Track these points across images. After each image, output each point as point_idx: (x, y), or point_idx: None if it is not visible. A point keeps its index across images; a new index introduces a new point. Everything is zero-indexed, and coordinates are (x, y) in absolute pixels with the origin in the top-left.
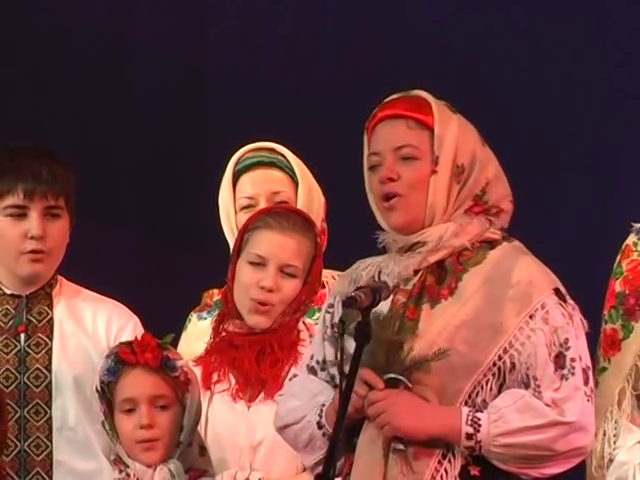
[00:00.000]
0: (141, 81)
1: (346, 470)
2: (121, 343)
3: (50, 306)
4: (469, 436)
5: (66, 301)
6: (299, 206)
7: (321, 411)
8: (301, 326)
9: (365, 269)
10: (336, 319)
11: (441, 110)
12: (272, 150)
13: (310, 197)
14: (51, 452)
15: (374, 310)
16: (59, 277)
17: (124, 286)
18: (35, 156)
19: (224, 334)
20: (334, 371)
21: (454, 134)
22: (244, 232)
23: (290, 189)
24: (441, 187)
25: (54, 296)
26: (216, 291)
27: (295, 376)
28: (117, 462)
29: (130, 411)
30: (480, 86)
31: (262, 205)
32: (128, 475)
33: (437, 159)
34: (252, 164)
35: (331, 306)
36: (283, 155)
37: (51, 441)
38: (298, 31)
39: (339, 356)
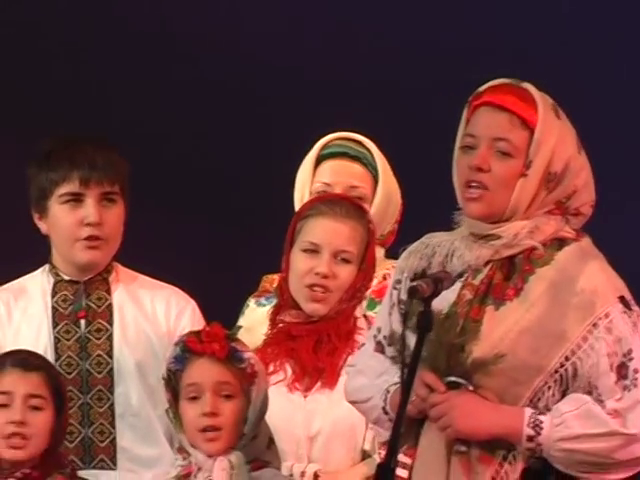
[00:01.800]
0: (207, 69)
1: (412, 461)
2: (189, 332)
3: (108, 292)
4: (530, 438)
5: (124, 287)
6: (374, 205)
7: (386, 397)
8: (358, 313)
9: (438, 247)
10: (403, 296)
11: (546, 112)
12: (360, 144)
13: (387, 198)
14: (115, 438)
15: (437, 308)
16: (115, 263)
17: (184, 272)
18: (90, 144)
19: (281, 325)
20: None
21: (553, 141)
22: (297, 221)
23: (368, 186)
24: (528, 191)
25: (111, 282)
26: (276, 277)
27: (363, 345)
28: (181, 450)
29: (194, 399)
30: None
31: None
32: (190, 463)
33: (530, 163)
34: (338, 153)
35: (398, 282)
36: (369, 151)
37: (114, 427)
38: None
39: (403, 348)
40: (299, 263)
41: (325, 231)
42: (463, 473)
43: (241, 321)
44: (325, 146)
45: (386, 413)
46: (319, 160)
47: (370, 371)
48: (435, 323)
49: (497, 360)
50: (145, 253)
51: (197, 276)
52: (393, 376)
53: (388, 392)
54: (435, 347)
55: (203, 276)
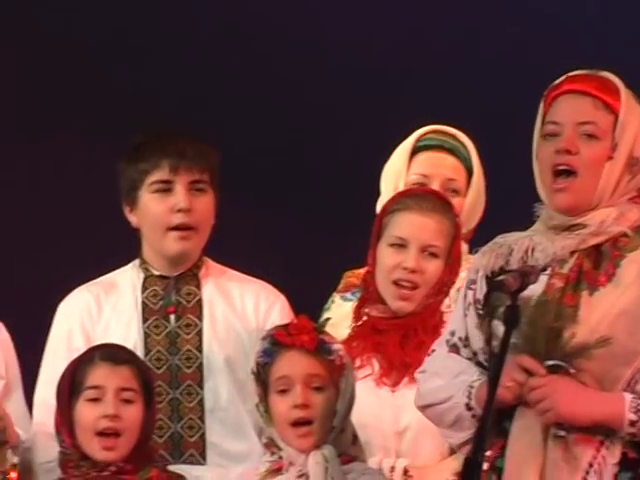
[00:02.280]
0: (294, 61)
1: (494, 454)
2: (277, 326)
3: (198, 287)
4: (632, 423)
5: (214, 282)
6: (468, 198)
7: (469, 392)
8: (444, 308)
9: (516, 243)
10: (479, 295)
11: (628, 98)
12: (455, 137)
13: (479, 192)
14: (204, 433)
15: (524, 294)
16: (205, 258)
17: (270, 266)
18: (180, 135)
19: (366, 318)
20: (476, 348)
21: (636, 126)
22: (383, 216)
23: (463, 180)
24: (614, 174)
25: (201, 277)
26: (361, 271)
27: (433, 351)
28: (269, 445)
29: (284, 392)
30: None
31: (434, 187)
32: (281, 458)
33: (616, 145)
34: (434, 145)
35: (473, 282)
36: (464, 145)
37: (204, 422)
38: None
39: (489, 339)
40: (386, 258)
41: (412, 225)
42: (561, 458)
43: (327, 316)
44: (421, 138)
45: (470, 409)
46: (414, 152)
47: (446, 372)
48: (527, 309)
49: (600, 344)
50: (228, 246)
51: (276, 272)
52: (472, 375)
53: (472, 387)
54: (531, 332)
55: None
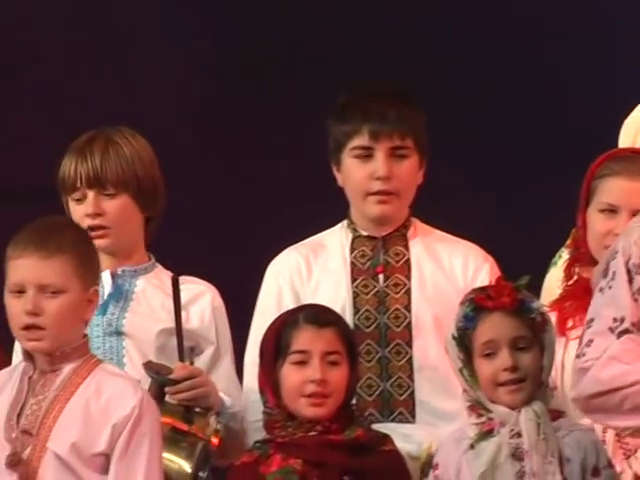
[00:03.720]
0: None
1: None
2: (475, 289)
3: (406, 247)
4: None
5: (421, 242)
6: None
7: None
8: None
9: None
10: None
11: None
12: None
13: None
14: (413, 392)
15: None
16: (413, 219)
17: (480, 226)
18: (384, 96)
19: (577, 278)
20: None
21: None
22: (590, 180)
23: None
24: None
25: (409, 237)
26: None
27: (591, 341)
28: (474, 408)
29: (490, 355)
30: None
31: None
32: (490, 419)
33: None
34: None
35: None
36: None
37: (413, 381)
38: None
39: None
40: (597, 224)
41: (622, 191)
42: None
43: (553, 272)
44: None
45: None
46: None
47: (627, 355)
48: None
49: None
50: (442, 208)
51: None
52: None
53: None
54: None
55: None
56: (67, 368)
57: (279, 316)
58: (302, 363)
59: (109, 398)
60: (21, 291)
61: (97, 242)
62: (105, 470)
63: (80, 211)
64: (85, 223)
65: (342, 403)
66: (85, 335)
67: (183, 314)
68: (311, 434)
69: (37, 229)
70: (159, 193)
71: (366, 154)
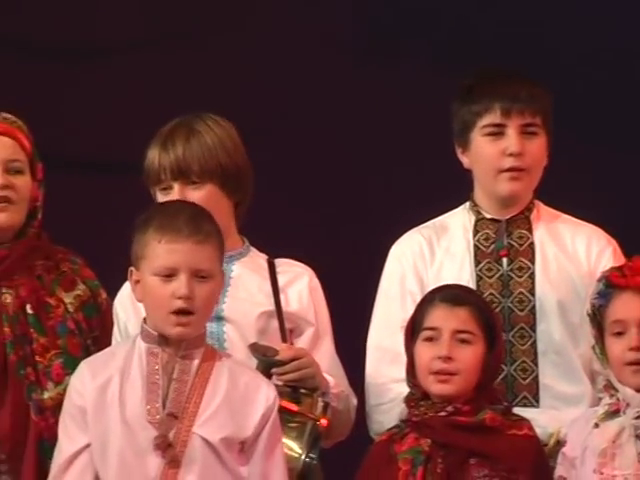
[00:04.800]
0: None
1: None
2: (612, 267)
3: (529, 230)
4: None
5: (545, 225)
6: None
7: None
8: None
9: None
10: None
11: None
12: None
13: None
14: (537, 376)
15: None
16: (536, 201)
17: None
18: (513, 77)
19: None
20: None
21: None
22: None
23: None
24: None
25: (532, 220)
26: None
27: None
28: (607, 387)
29: (620, 334)
30: None
31: None
32: (618, 400)
33: None
34: None
35: None
36: None
37: (537, 365)
38: None
39: None
40: None
41: None
42: None
43: None
44: None
45: None
46: None
47: None
48: None
49: None
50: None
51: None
52: None
53: None
54: None
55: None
56: (198, 354)
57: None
58: (432, 340)
59: (245, 386)
60: (171, 275)
61: None
62: (241, 455)
63: None
64: None
65: (477, 384)
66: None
67: (282, 296)
68: (441, 414)
69: (180, 213)
70: (245, 178)
71: (498, 131)
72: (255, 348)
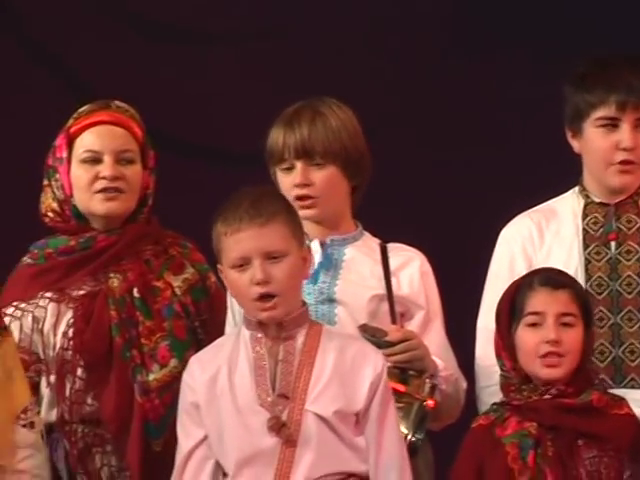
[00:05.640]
0: None
1: None
2: None
3: (638, 214)
4: None
5: None
6: None
7: None
8: None
9: None
10: None
11: None
12: None
13: None
14: None
15: None
16: None
17: None
18: (627, 67)
19: None
20: None
21: None
22: None
23: None
24: None
25: None
26: None
27: None
28: None
29: None
30: None
31: None
32: None
33: None
34: None
35: None
36: None
37: None
38: None
39: None
40: None
41: None
42: None
43: None
44: None
45: None
46: None
47: None
48: None
49: None
50: None
51: None
52: None
53: None
54: None
55: None
56: (301, 333)
57: (514, 281)
58: (537, 325)
59: (353, 357)
60: (245, 264)
61: (305, 212)
62: (357, 426)
63: (288, 181)
64: (293, 193)
65: (577, 366)
66: (304, 303)
67: (393, 280)
68: (545, 397)
69: (243, 200)
70: (365, 162)
71: (611, 124)
72: (365, 329)
